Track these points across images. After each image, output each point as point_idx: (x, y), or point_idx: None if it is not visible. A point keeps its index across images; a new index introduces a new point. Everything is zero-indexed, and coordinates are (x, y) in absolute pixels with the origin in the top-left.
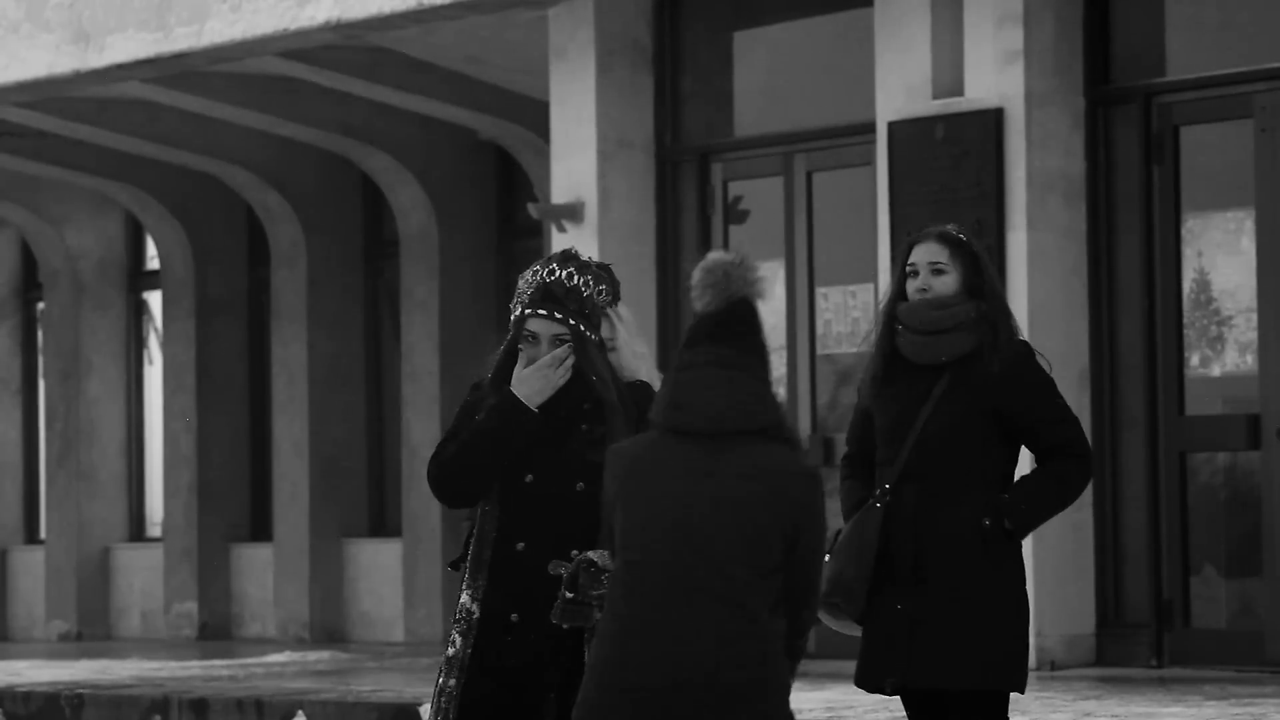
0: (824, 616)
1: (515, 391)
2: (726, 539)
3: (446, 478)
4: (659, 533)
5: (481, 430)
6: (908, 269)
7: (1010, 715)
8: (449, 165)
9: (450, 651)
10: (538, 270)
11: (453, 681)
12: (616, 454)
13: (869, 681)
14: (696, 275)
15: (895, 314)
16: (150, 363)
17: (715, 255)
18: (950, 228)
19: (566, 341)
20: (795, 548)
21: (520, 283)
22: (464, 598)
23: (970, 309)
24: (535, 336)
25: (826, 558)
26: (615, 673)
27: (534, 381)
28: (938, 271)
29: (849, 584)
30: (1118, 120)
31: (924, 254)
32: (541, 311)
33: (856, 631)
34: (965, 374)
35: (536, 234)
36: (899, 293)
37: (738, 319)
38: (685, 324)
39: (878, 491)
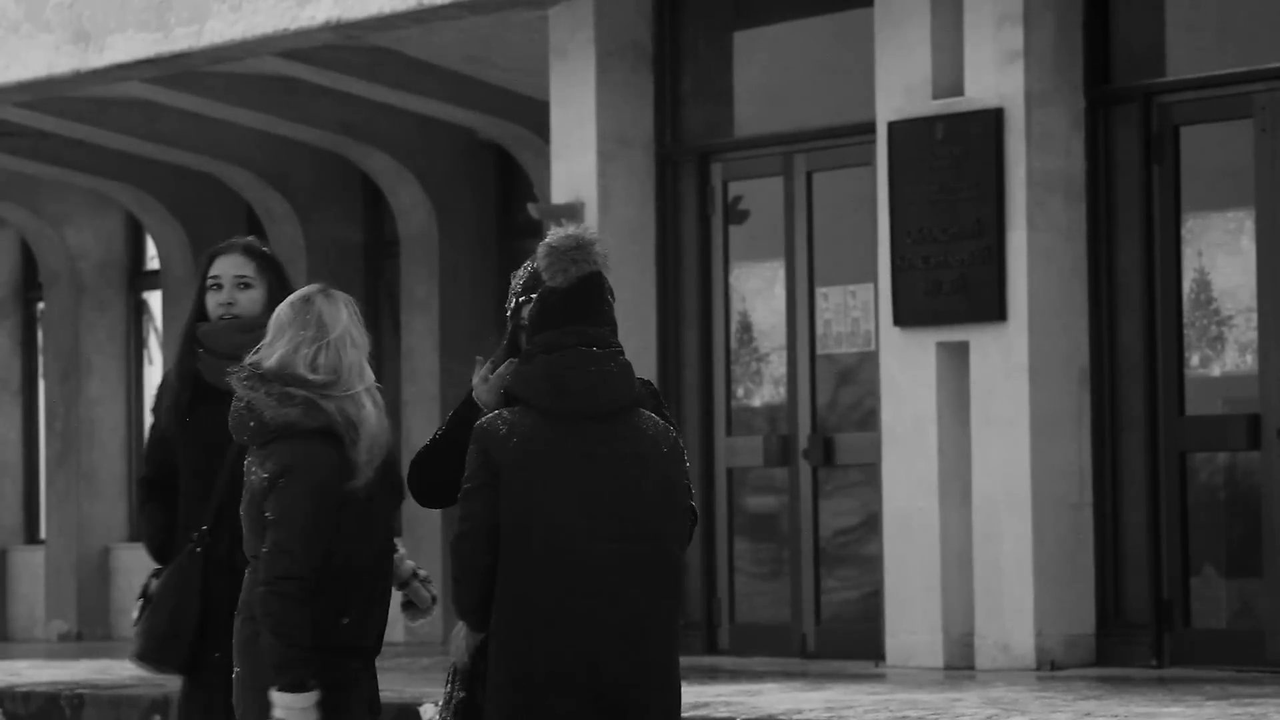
0: (142, 669)
1: (476, 397)
2: (649, 506)
3: (412, 477)
4: (571, 519)
5: (445, 432)
6: (209, 282)
7: (1010, 715)
8: (449, 165)
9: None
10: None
11: (463, 694)
12: (491, 438)
13: None
14: (543, 253)
15: (195, 335)
16: (150, 363)
17: (560, 231)
18: (254, 240)
19: None
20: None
21: (514, 281)
22: None
23: None
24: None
25: (140, 606)
26: (542, 663)
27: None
28: (245, 286)
29: (167, 636)
30: (1118, 120)
31: (229, 266)
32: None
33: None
34: None
35: (536, 234)
36: (199, 311)
37: (594, 294)
38: (686, 324)
39: (195, 535)
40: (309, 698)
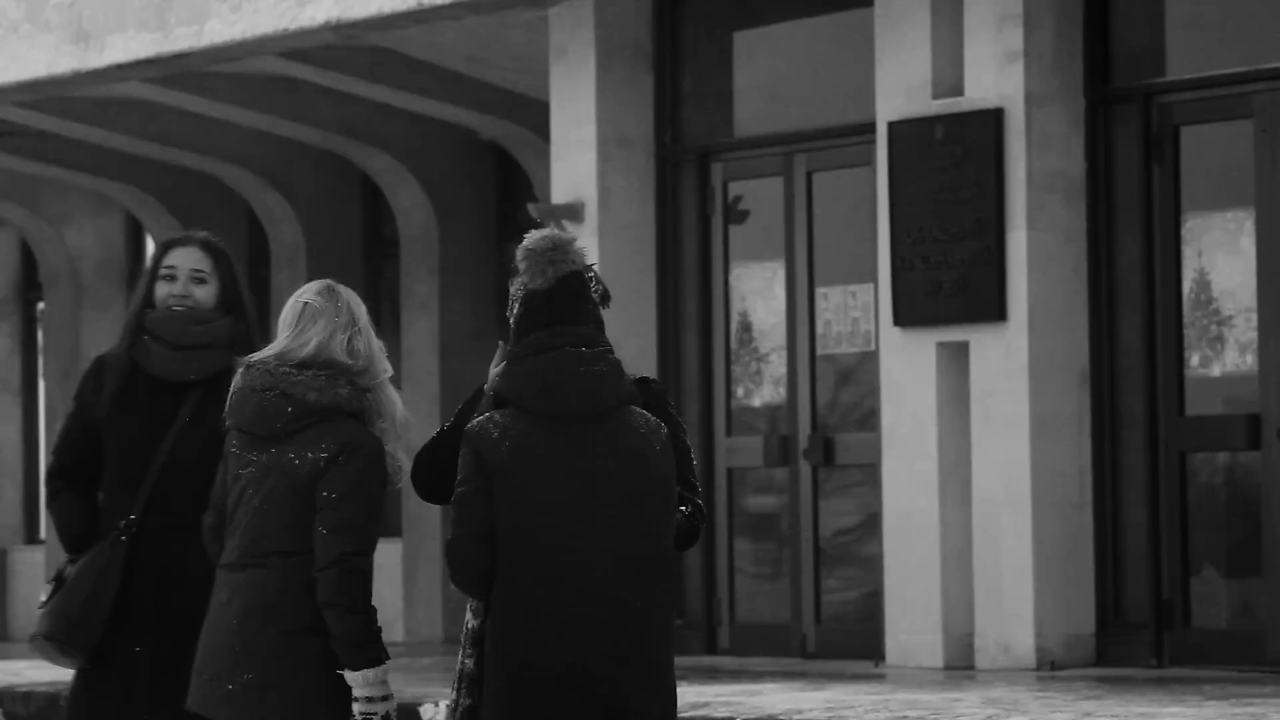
0: (43, 651)
1: (489, 389)
2: (645, 505)
3: (415, 472)
4: (567, 520)
5: (452, 425)
6: (163, 272)
7: (1010, 715)
8: (449, 165)
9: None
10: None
11: (469, 701)
12: (483, 441)
13: None
14: (521, 255)
15: (144, 323)
16: None
17: (537, 233)
18: (210, 235)
19: None
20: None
21: (513, 287)
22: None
23: (226, 326)
24: None
25: (51, 589)
26: (539, 665)
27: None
28: (199, 281)
29: (77, 620)
30: (1118, 120)
31: (185, 259)
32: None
33: (74, 667)
34: (215, 394)
35: None
36: (148, 299)
37: (576, 294)
38: (687, 324)
39: (122, 524)
40: (387, 669)
